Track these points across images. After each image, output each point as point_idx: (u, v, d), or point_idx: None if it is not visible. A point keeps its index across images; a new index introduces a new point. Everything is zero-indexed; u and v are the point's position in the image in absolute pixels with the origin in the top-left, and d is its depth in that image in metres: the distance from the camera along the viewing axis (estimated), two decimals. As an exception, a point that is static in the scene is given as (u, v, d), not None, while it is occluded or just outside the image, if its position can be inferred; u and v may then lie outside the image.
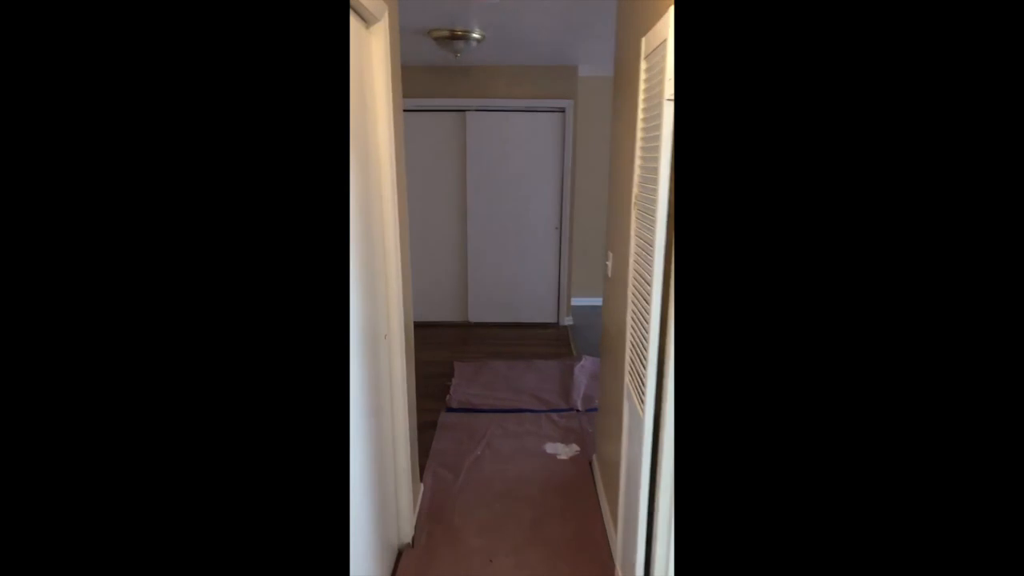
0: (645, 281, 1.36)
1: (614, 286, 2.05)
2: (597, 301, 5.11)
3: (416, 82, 4.14)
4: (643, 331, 1.36)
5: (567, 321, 4.62)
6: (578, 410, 3.11)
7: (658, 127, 1.22)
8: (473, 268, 4.52)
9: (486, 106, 4.23)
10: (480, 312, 4.62)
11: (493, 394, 3.29)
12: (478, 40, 3.12)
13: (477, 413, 3.07)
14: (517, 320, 4.63)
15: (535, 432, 2.88)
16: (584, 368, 3.64)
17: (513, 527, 2.16)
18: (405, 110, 4.30)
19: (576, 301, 4.96)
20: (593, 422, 2.96)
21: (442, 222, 4.48)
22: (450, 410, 3.10)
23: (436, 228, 4.48)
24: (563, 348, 4.13)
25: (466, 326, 4.59)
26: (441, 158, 4.36)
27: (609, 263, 2.14)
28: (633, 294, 1.53)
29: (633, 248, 1.55)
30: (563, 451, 2.71)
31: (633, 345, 1.51)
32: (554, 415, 3.06)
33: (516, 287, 4.58)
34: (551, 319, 4.64)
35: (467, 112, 4.24)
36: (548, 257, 4.53)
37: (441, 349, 4.06)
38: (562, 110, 4.26)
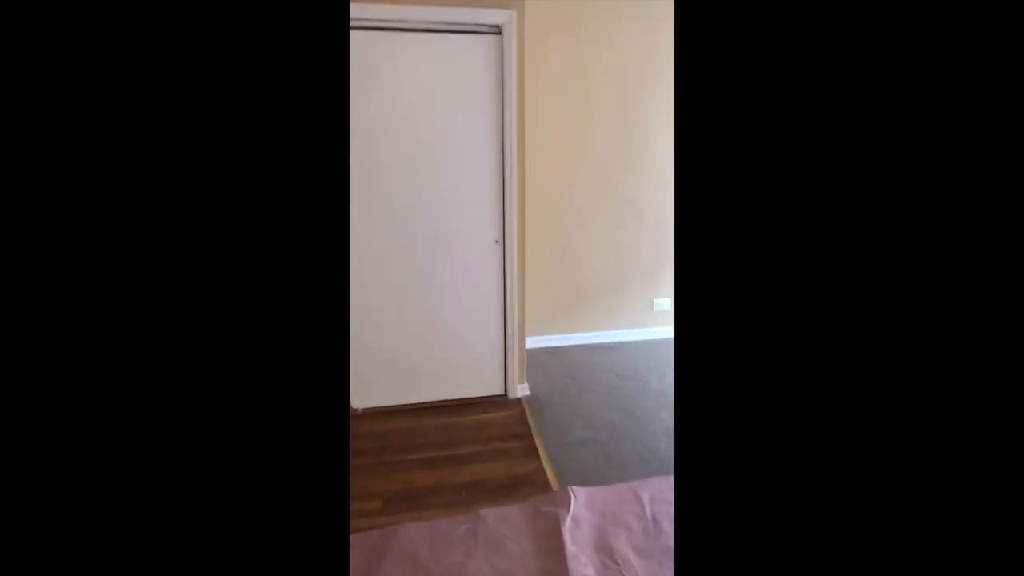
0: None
1: None
2: (560, 340, 3.33)
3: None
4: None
5: (522, 391, 2.80)
6: None
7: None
8: (359, 315, 2.56)
9: (369, 22, 2.26)
10: (374, 391, 2.68)
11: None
12: None
13: None
14: (438, 399, 2.75)
15: None
16: (580, 524, 1.84)
17: None
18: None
19: (533, 342, 3.16)
20: None
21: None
22: None
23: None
24: (525, 455, 2.32)
25: (351, 418, 2.65)
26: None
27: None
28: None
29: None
30: None
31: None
32: None
33: (434, 343, 2.68)
34: (495, 390, 2.80)
35: (322, 32, 2.25)
36: (485, 289, 2.67)
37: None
38: (498, 30, 2.38)
